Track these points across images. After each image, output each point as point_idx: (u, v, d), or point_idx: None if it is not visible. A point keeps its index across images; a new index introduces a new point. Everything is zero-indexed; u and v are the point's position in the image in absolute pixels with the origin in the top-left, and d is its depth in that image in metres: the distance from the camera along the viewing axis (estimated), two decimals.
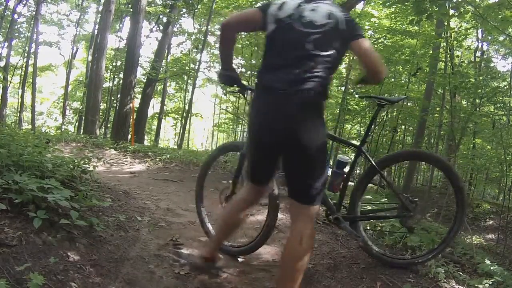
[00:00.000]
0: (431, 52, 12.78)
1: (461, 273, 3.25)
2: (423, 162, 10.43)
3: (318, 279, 3.08)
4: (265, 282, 3.02)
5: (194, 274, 2.99)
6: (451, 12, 7.46)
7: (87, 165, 4.28)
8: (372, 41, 12.66)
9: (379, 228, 4.14)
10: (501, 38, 13.67)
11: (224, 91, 3.37)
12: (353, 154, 3.39)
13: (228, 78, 2.87)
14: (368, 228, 4.09)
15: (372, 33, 14.06)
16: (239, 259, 3.40)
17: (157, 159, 8.37)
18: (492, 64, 15.84)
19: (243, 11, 2.67)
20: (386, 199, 5.03)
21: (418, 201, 3.18)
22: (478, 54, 17.27)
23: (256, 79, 2.49)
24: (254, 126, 2.47)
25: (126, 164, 8.17)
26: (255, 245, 3.38)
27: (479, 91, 11.17)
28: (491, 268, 3.36)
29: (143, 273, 2.85)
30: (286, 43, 2.40)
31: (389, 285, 3.00)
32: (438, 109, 13.57)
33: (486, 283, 3.05)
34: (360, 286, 2.96)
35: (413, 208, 3.14)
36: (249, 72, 19.82)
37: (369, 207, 3.72)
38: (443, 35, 11.53)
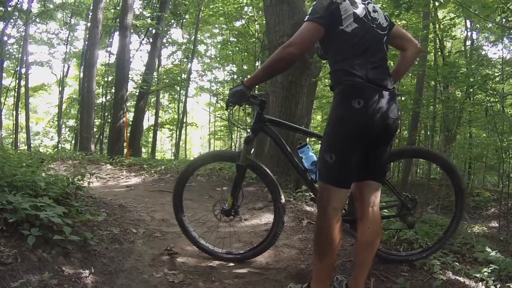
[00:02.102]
0: None
1: (457, 264, 3.23)
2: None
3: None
4: (260, 285, 3.04)
5: (189, 281, 3.04)
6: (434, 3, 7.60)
7: (81, 182, 4.35)
8: None
9: None
10: (490, 25, 13.75)
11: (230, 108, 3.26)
12: None
13: (247, 97, 2.85)
14: None
15: None
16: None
17: (153, 171, 8.42)
18: (483, 52, 15.92)
19: (303, 35, 2.52)
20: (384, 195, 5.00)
21: (417, 198, 3.20)
22: (468, 43, 17.33)
23: (347, 73, 2.47)
24: (362, 119, 2.43)
25: (122, 178, 8.23)
26: (258, 251, 3.48)
27: (472, 79, 11.19)
28: (490, 256, 3.35)
29: (138, 283, 2.90)
30: (372, 43, 2.56)
31: (383, 280, 3.02)
32: (432, 100, 13.60)
33: (485, 271, 3.01)
34: None
35: (413, 205, 3.16)
36: (241, 78, 19.94)
37: None
38: (431, 26, 11.58)
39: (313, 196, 3.35)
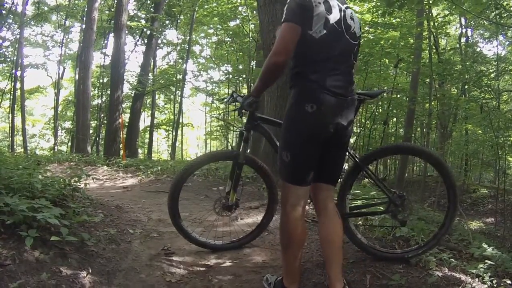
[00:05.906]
0: (412, 41, 12.82)
1: (453, 260, 3.19)
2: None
3: (308, 276, 3.10)
4: (256, 284, 3.06)
5: (186, 280, 3.07)
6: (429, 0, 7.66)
7: (77, 183, 4.37)
8: None
9: (370, 222, 4.12)
10: (486, 23, 13.80)
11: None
12: None
13: (257, 104, 3.00)
14: (361, 222, 4.04)
15: None
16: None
17: (149, 172, 8.43)
18: (478, 49, 15.99)
19: (285, 39, 2.46)
20: (374, 193, 5.00)
21: (406, 195, 3.20)
22: (463, 40, 17.39)
23: (305, 77, 2.52)
24: (313, 123, 2.50)
25: (119, 179, 8.23)
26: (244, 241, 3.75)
27: (467, 76, 11.25)
28: (486, 252, 3.33)
29: (135, 283, 2.93)
30: (339, 52, 2.55)
31: (379, 277, 3.01)
32: (427, 98, 13.67)
33: (481, 267, 2.98)
34: (350, 280, 2.97)
35: (401, 202, 3.17)
36: (236, 77, 19.95)
37: (359, 203, 3.77)
38: (425, 24, 11.61)
39: None
